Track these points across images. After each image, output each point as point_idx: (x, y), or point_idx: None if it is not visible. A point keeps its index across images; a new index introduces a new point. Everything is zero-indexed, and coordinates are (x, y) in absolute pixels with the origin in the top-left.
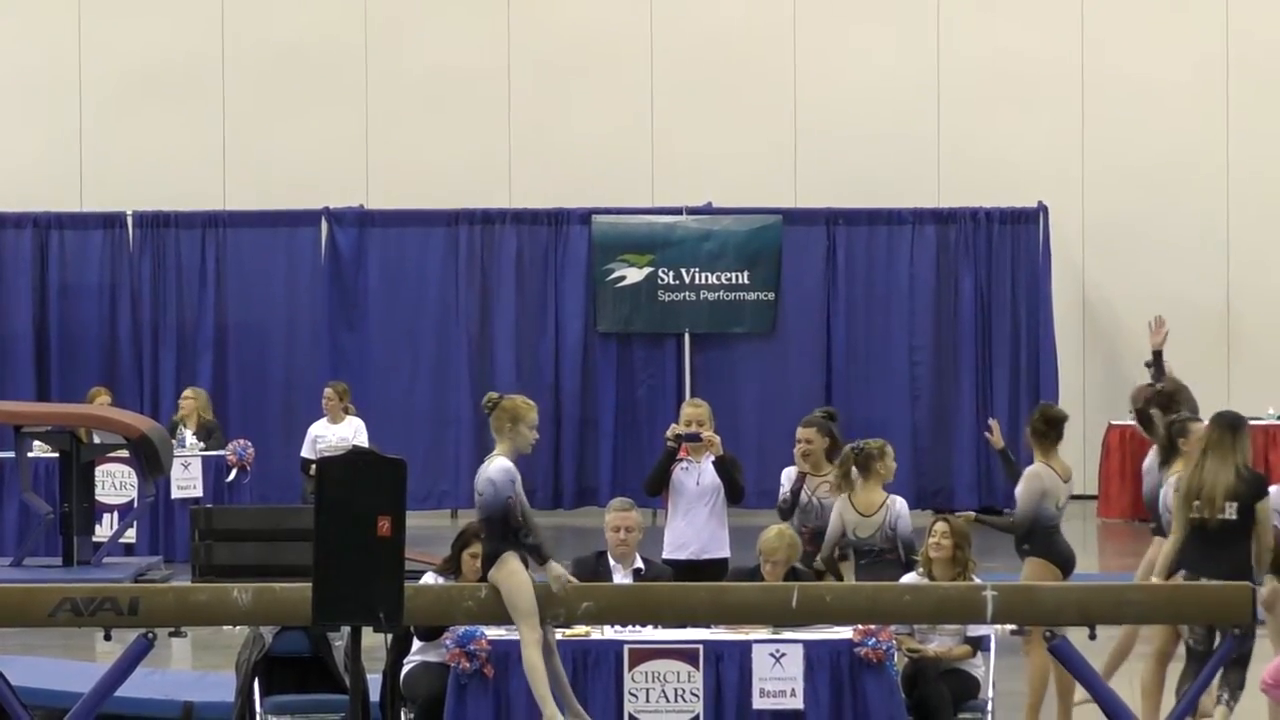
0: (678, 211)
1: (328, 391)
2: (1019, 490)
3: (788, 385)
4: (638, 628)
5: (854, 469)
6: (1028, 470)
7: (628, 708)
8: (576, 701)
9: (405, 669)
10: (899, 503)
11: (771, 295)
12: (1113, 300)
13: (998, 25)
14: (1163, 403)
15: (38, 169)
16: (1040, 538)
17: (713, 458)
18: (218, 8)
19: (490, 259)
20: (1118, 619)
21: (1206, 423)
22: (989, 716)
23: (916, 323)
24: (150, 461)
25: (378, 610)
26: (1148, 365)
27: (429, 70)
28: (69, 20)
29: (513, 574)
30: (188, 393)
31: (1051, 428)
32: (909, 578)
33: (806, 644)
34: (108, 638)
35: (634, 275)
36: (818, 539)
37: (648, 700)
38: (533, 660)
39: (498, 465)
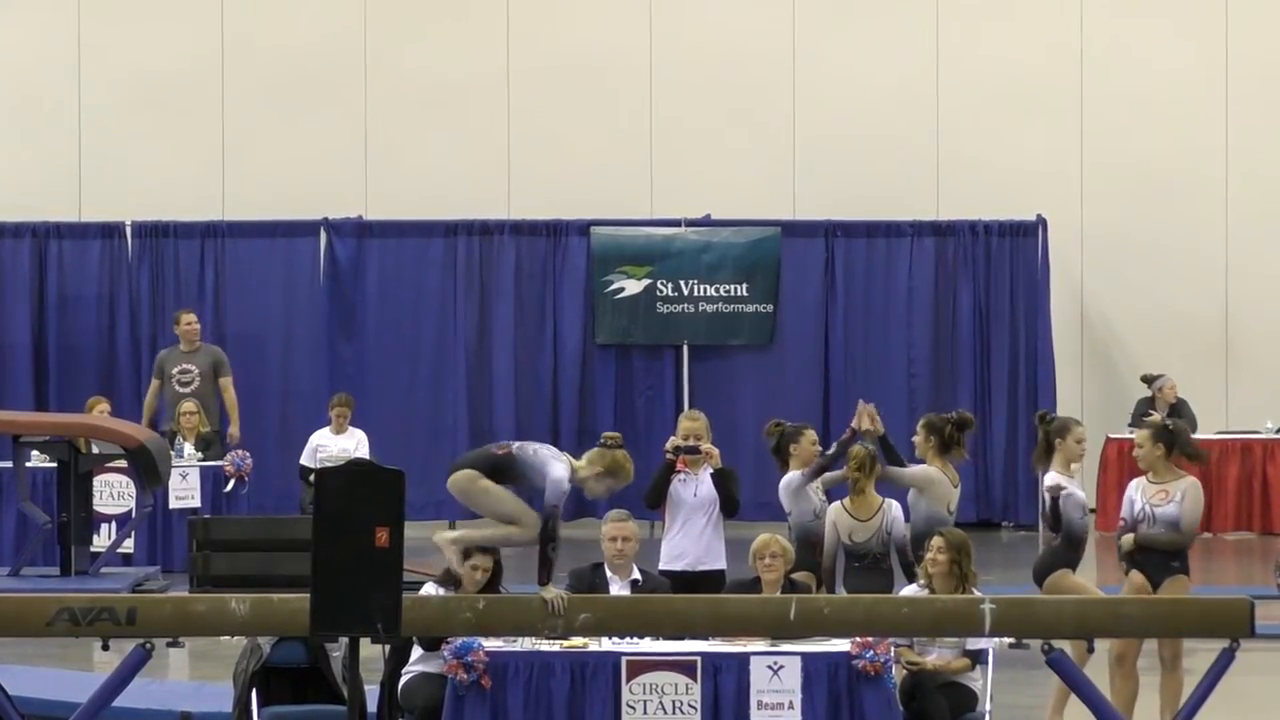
0: (676, 223)
1: (341, 409)
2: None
3: (786, 397)
4: (635, 639)
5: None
6: (920, 471)
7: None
8: None
9: (403, 680)
10: (895, 506)
11: (770, 307)
12: (1111, 313)
13: (996, 38)
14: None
15: (36, 179)
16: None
17: (711, 470)
18: (217, 18)
19: (489, 270)
20: (1115, 632)
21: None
22: None
23: (915, 335)
24: (148, 472)
25: (376, 621)
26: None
27: (428, 81)
28: (68, 30)
29: (489, 488)
30: (188, 405)
31: (961, 431)
32: (909, 590)
33: (804, 656)
34: (105, 647)
35: (632, 287)
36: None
37: (645, 712)
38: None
39: (562, 474)
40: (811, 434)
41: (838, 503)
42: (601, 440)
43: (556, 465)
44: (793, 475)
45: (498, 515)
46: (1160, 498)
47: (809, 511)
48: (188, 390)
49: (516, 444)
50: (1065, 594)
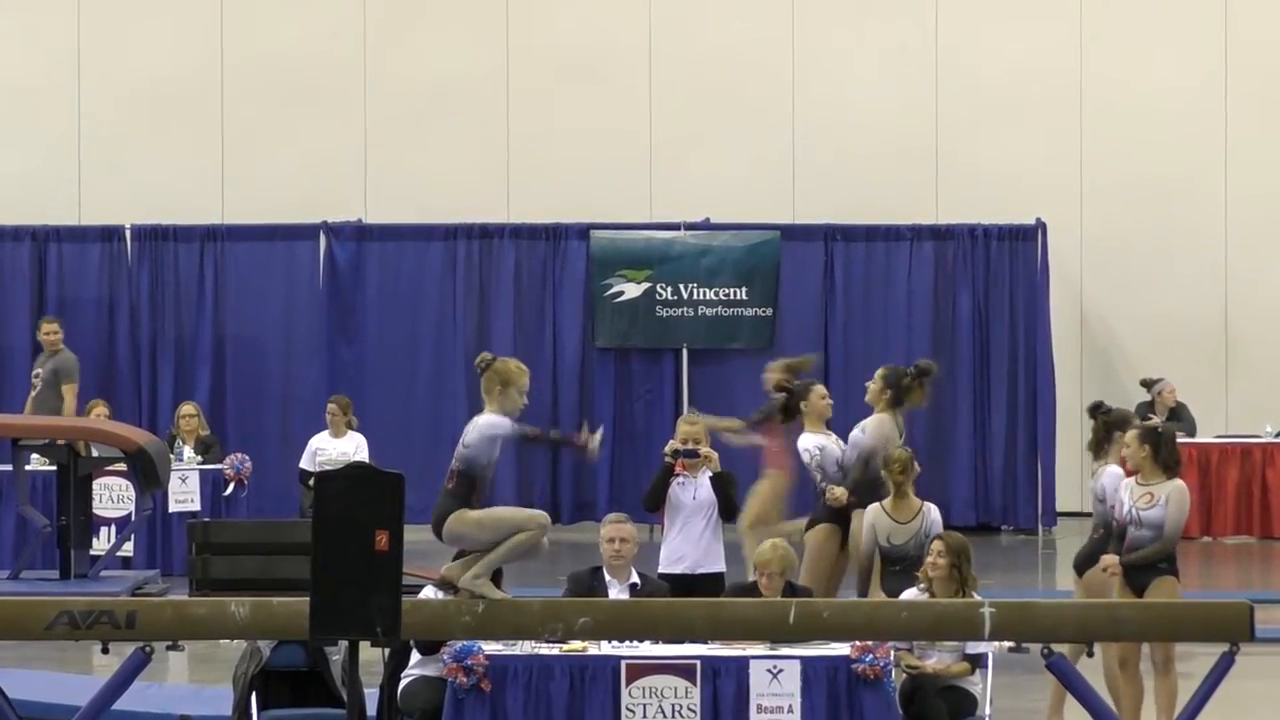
0: (676, 227)
1: (332, 406)
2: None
3: None
4: (634, 643)
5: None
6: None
7: None
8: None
9: (403, 683)
10: (934, 510)
11: (769, 311)
12: (1110, 317)
13: (996, 42)
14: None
15: (36, 182)
16: None
17: (709, 473)
18: (216, 22)
19: (488, 273)
20: (1115, 636)
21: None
22: None
23: (914, 339)
24: (148, 475)
25: (375, 625)
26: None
27: (427, 84)
28: (68, 34)
29: (479, 518)
30: (188, 408)
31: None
32: (909, 594)
33: (804, 660)
34: (105, 651)
35: (632, 290)
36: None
37: (645, 716)
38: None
39: (490, 416)
40: (820, 388)
41: (876, 504)
42: (480, 370)
43: (485, 418)
44: (805, 435)
45: (501, 534)
46: (1145, 501)
47: (836, 456)
48: (34, 394)
49: (452, 462)
50: (1100, 588)
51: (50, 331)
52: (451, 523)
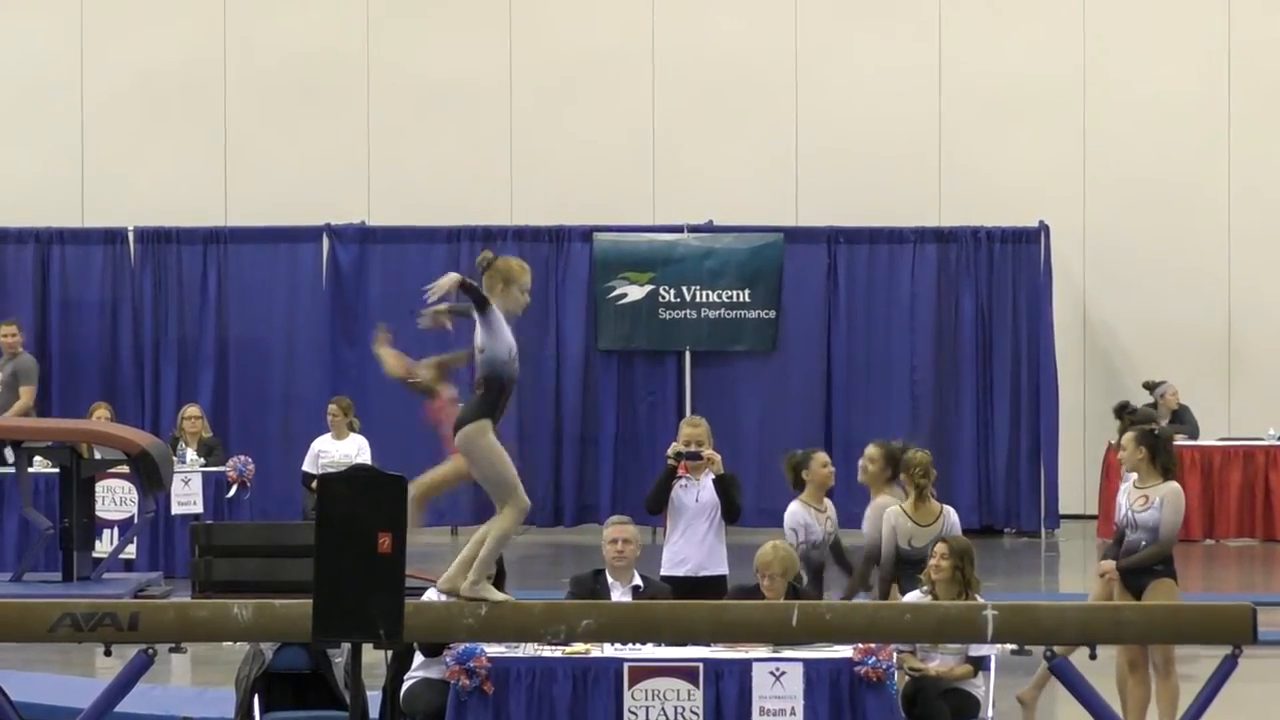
0: (679, 229)
1: (332, 407)
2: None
3: (788, 404)
4: (637, 645)
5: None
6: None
7: None
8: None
9: (405, 685)
10: (953, 513)
11: (772, 313)
12: (1113, 320)
13: (1000, 44)
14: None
15: (39, 184)
16: None
17: (712, 475)
18: (220, 23)
19: None
20: (1118, 639)
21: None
22: None
23: (917, 342)
24: (150, 477)
25: (378, 627)
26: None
27: (431, 87)
28: (71, 35)
29: (494, 446)
30: (191, 410)
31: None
32: (912, 596)
33: (807, 662)
34: (107, 653)
35: (635, 293)
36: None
37: (648, 718)
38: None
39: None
40: (821, 456)
41: (896, 507)
42: (481, 269)
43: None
44: (794, 506)
45: (492, 480)
46: (1140, 503)
47: (816, 539)
48: None
49: (476, 370)
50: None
51: (9, 334)
52: (472, 430)
